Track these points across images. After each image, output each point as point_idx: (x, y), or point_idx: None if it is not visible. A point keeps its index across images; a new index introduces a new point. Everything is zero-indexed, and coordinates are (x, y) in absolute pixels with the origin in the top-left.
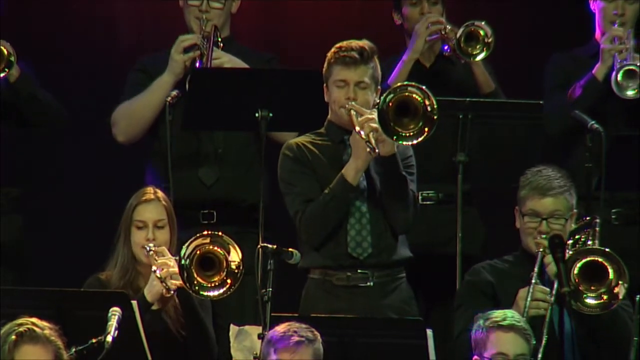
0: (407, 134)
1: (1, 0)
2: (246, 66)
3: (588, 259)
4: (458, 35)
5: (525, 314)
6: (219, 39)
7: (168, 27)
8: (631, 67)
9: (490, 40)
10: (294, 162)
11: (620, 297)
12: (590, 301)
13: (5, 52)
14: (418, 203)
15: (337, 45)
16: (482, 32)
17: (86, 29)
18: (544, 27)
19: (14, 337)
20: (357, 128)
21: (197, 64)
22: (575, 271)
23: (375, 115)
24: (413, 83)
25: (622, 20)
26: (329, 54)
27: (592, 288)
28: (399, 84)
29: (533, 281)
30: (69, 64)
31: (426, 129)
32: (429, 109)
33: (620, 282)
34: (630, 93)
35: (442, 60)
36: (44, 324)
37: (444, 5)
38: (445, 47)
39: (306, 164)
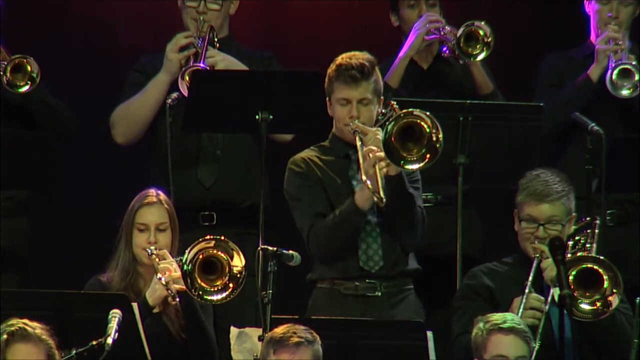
0: (411, 158)
1: (1, 1)
2: (241, 65)
3: (584, 266)
4: (458, 35)
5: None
6: (215, 39)
7: (167, 28)
8: (626, 67)
9: (490, 40)
10: (300, 176)
11: (614, 306)
12: (584, 307)
13: (29, 68)
14: (426, 219)
15: (337, 61)
16: (481, 32)
17: (86, 29)
18: (543, 28)
19: (5, 336)
20: (364, 178)
21: (191, 63)
22: (571, 277)
23: (379, 134)
24: (419, 110)
25: (616, 23)
26: (329, 70)
27: (587, 294)
28: (404, 110)
29: (527, 290)
30: (69, 65)
31: (428, 156)
32: (434, 138)
33: (615, 291)
34: (624, 92)
35: (439, 61)
36: (35, 323)
37: (441, 7)
38: (444, 49)
39: (313, 179)
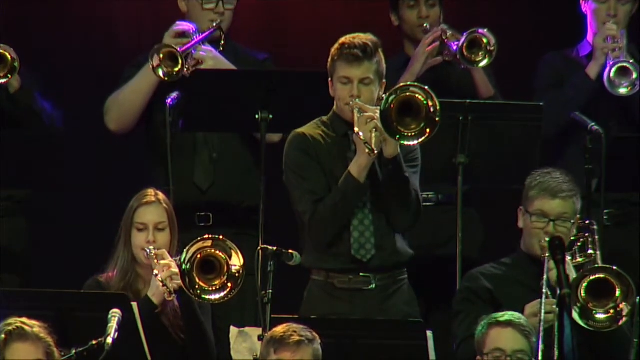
0: (409, 134)
1: None
2: (231, 66)
3: (596, 276)
4: (461, 42)
5: (542, 327)
6: (222, 42)
7: (167, 28)
8: (624, 65)
9: (493, 48)
10: (301, 152)
11: (625, 312)
12: (600, 316)
13: (9, 57)
14: (422, 201)
15: (341, 40)
16: (485, 40)
17: (86, 30)
18: (542, 28)
19: (3, 336)
20: (356, 129)
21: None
22: (584, 287)
23: (378, 113)
24: (415, 83)
25: (614, 21)
26: (333, 50)
27: (601, 304)
28: (401, 84)
29: (544, 290)
30: (69, 64)
31: (428, 130)
32: (431, 110)
33: (625, 301)
34: (622, 91)
35: (441, 63)
36: (33, 322)
37: (441, 8)
38: (445, 52)
39: (313, 156)
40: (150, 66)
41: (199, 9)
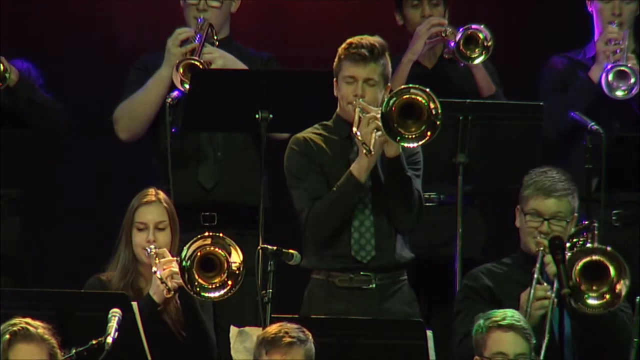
0: (409, 136)
1: None
2: (239, 63)
3: (588, 258)
4: (457, 38)
5: (528, 317)
6: (215, 37)
7: (167, 28)
8: (622, 68)
9: (489, 44)
10: (301, 156)
11: (623, 294)
12: (592, 302)
13: (2, 67)
14: (424, 202)
15: (349, 40)
16: (481, 36)
17: (86, 29)
18: (545, 28)
19: (7, 336)
20: (354, 129)
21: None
22: (576, 272)
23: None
24: (417, 85)
25: (619, 21)
26: (340, 49)
27: (594, 288)
28: (402, 86)
29: (535, 276)
30: (69, 64)
31: (428, 133)
32: (433, 112)
33: (621, 280)
34: (619, 94)
35: (443, 61)
36: (38, 323)
37: (445, 7)
38: (445, 50)
39: (313, 159)
40: (177, 82)
41: (185, 3)
